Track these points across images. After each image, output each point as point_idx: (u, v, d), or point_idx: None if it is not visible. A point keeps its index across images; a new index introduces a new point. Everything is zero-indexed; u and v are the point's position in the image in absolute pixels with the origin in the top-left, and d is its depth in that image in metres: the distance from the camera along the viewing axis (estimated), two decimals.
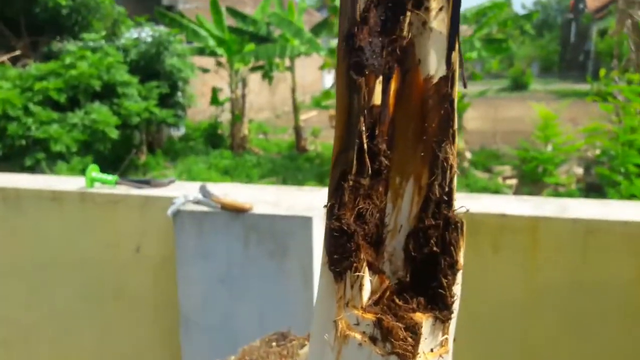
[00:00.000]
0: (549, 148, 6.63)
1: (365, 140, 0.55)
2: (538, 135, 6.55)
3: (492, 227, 1.81)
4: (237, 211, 1.93)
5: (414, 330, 0.55)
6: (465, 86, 0.59)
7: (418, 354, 0.55)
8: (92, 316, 2.43)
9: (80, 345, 2.47)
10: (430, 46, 0.54)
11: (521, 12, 36.29)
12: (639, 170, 5.55)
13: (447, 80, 0.55)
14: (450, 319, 0.59)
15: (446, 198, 0.59)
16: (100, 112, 8.20)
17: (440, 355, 0.59)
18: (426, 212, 0.59)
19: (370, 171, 0.56)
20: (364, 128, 0.54)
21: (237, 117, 10.34)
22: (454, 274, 0.59)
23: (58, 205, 2.37)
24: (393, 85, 0.55)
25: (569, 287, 1.77)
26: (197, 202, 2.02)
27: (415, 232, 0.60)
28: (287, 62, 10.49)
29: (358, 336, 0.57)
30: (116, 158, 9.05)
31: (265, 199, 2.09)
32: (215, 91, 10.43)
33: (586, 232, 1.72)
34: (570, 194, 6.10)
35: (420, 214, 0.60)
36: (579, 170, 7.40)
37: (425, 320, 0.57)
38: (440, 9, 0.53)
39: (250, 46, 9.44)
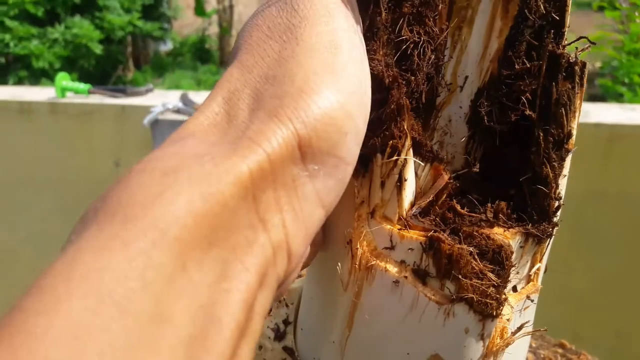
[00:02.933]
0: None
1: None
2: None
3: None
4: None
5: (498, 259, 0.31)
6: None
7: (504, 299, 0.31)
8: None
9: None
10: None
11: None
12: None
13: None
14: (551, 235, 0.35)
15: (556, 17, 0.33)
16: (81, 27, 7.80)
17: (528, 297, 0.36)
18: (515, 48, 0.33)
19: None
20: None
21: (224, 30, 9.87)
22: (562, 158, 0.34)
23: (27, 117, 2.17)
24: None
25: (587, 196, 1.63)
26: (178, 111, 1.83)
27: (495, 84, 0.34)
28: None
29: (392, 268, 0.33)
30: (102, 74, 8.71)
31: None
32: (199, 1, 9.88)
33: (609, 139, 1.56)
34: None
35: (504, 51, 0.34)
36: None
37: (512, 240, 0.32)
38: None
39: None
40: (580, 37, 0.34)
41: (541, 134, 0.34)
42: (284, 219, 0.26)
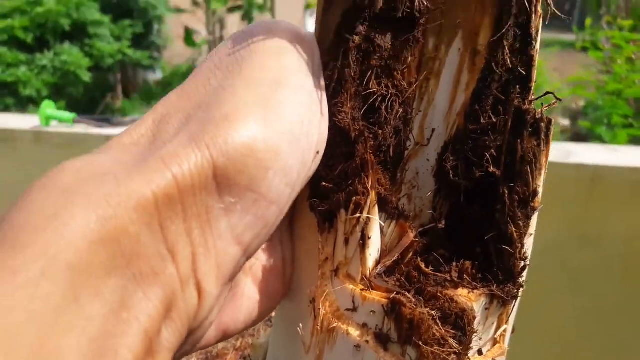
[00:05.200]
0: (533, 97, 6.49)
1: None
2: None
3: None
4: None
5: (460, 324, 0.30)
6: None
7: None
8: None
9: None
10: None
11: None
12: (625, 120, 5.46)
13: None
14: (516, 297, 0.34)
15: (523, 72, 0.32)
16: (70, 54, 7.82)
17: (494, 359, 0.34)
18: (482, 102, 0.32)
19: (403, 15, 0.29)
20: None
21: None
22: (528, 216, 0.33)
23: (10, 145, 2.15)
24: None
25: (570, 238, 1.64)
26: None
27: (461, 138, 0.34)
28: (268, 4, 10.03)
29: (354, 331, 0.31)
30: (90, 102, 8.70)
31: None
32: (188, 31, 9.99)
33: (591, 180, 1.57)
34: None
35: (470, 105, 0.33)
36: (565, 122, 7.32)
37: (476, 303, 0.31)
38: None
39: None
40: (547, 93, 0.34)
41: (506, 192, 0.33)
42: (195, 253, 0.25)
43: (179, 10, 9.85)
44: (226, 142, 0.25)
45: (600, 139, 5.63)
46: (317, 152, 0.29)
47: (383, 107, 0.30)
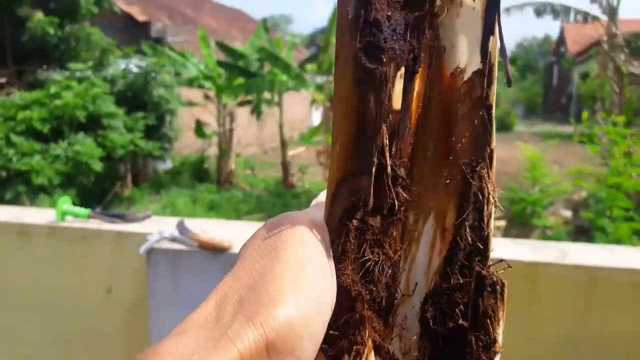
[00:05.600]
0: (536, 189, 6.60)
1: (389, 161, 0.38)
2: (525, 176, 6.54)
3: None
4: (215, 250, 1.80)
5: None
6: (510, 84, 0.43)
7: None
8: None
9: None
10: (460, 27, 0.39)
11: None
12: (626, 213, 5.52)
13: (483, 76, 0.40)
14: None
15: (480, 246, 0.41)
16: (84, 144, 8.06)
17: None
18: (452, 266, 0.42)
19: (387, 206, 0.39)
20: (386, 142, 0.38)
21: (224, 152, 10.25)
22: (491, 358, 0.41)
23: (26, 240, 2.22)
24: (417, 85, 0.39)
25: (569, 338, 1.65)
26: (173, 240, 1.89)
27: (437, 293, 0.42)
28: (275, 98, 10.49)
29: None
30: (100, 191, 8.86)
31: (247, 237, 1.96)
32: (199, 124, 10.36)
33: (588, 280, 1.61)
34: (558, 237, 6.03)
35: (443, 267, 0.42)
36: (567, 213, 7.37)
37: None
38: None
39: (239, 80, 9.42)
40: (500, 261, 0.43)
41: (472, 339, 0.41)
42: None
43: (191, 104, 10.29)
44: (274, 320, 0.34)
45: (602, 231, 5.66)
46: (331, 310, 0.38)
47: (376, 270, 0.39)
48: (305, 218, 0.40)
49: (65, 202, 2.22)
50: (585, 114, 9.87)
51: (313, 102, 10.56)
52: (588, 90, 20.47)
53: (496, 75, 0.41)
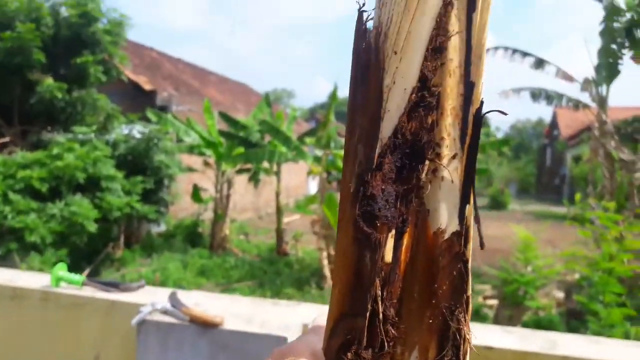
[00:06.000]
0: (529, 269, 6.61)
1: (381, 307, 0.47)
2: (518, 257, 6.57)
3: None
4: (206, 325, 1.81)
5: None
6: (482, 247, 0.51)
7: None
8: None
9: None
10: (441, 197, 0.48)
11: (495, 133, 38.08)
12: (618, 299, 5.51)
13: (461, 236, 0.48)
14: None
15: None
16: (80, 205, 8.08)
17: None
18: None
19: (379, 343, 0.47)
20: (380, 293, 0.46)
21: (219, 217, 10.28)
22: None
23: (18, 304, 2.22)
24: (405, 241, 0.49)
25: None
26: (165, 312, 1.90)
27: None
28: (274, 167, 10.66)
29: None
30: (92, 251, 8.80)
31: (239, 311, 1.97)
32: (196, 189, 10.46)
33: None
34: (551, 320, 5.99)
35: None
36: (560, 294, 7.33)
37: None
38: (454, 157, 0.47)
39: (239, 149, 9.62)
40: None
41: None
42: None
43: (190, 170, 10.44)
44: None
45: (595, 315, 5.62)
46: None
47: None
48: (307, 350, 0.48)
49: (61, 269, 2.24)
50: (578, 196, 10.03)
51: (310, 172, 10.72)
52: (580, 172, 20.87)
53: (471, 235, 0.49)
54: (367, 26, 0.43)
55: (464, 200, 0.47)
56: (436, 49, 0.41)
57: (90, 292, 2.17)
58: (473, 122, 0.44)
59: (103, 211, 8.36)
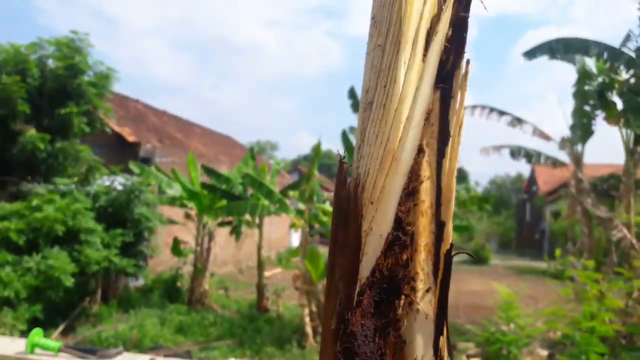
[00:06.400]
0: (512, 327, 6.59)
1: None
2: (500, 315, 6.57)
3: None
4: None
5: None
6: None
7: None
8: None
9: None
10: (417, 328, 0.50)
11: (475, 188, 38.58)
12: (600, 358, 5.49)
13: None
14: None
15: None
16: (58, 258, 7.92)
17: None
18: None
19: None
20: None
21: (199, 271, 10.14)
22: None
23: None
24: None
25: None
26: None
27: None
28: (256, 220, 10.63)
29: None
30: (67, 305, 8.56)
31: None
32: (176, 242, 10.35)
33: None
34: None
35: None
36: (543, 353, 7.30)
37: None
38: (427, 290, 0.49)
39: (222, 202, 9.60)
40: None
41: None
42: None
43: (172, 222, 10.36)
44: None
45: None
46: None
47: None
48: None
49: (37, 335, 2.19)
50: (557, 252, 10.14)
51: (292, 225, 10.70)
52: (559, 228, 21.13)
53: None
54: (346, 175, 0.47)
55: (438, 331, 0.49)
56: (409, 193, 0.45)
57: (66, 358, 2.12)
58: (444, 259, 0.48)
59: (81, 265, 8.19)
